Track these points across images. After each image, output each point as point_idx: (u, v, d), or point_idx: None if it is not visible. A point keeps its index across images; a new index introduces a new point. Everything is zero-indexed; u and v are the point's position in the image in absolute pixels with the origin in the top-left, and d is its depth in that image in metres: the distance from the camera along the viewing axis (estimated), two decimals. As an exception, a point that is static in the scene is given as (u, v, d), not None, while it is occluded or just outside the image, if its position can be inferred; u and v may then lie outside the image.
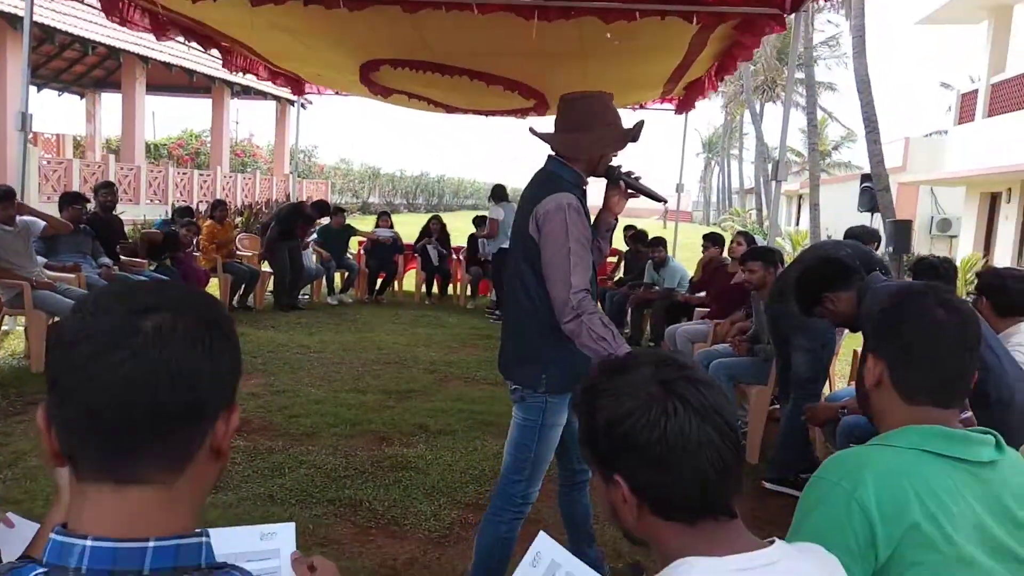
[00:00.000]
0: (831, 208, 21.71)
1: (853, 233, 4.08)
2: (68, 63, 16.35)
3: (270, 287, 8.73)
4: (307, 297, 9.13)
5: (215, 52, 7.79)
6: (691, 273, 7.51)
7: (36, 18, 6.45)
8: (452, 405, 4.88)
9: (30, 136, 6.38)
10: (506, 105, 9.60)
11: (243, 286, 8.24)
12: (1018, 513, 1.20)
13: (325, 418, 4.43)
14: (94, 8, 7.22)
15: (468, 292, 9.83)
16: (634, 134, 2.37)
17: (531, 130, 2.52)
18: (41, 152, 14.03)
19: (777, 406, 4.79)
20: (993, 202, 15.07)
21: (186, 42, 7.34)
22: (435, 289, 9.99)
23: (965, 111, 15.90)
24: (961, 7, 15.66)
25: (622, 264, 9.63)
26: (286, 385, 5.16)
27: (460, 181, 51.90)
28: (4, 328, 5.81)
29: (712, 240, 6.98)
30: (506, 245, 8.94)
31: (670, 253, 7.83)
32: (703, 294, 6.65)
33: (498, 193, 9.20)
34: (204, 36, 7.33)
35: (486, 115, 10.62)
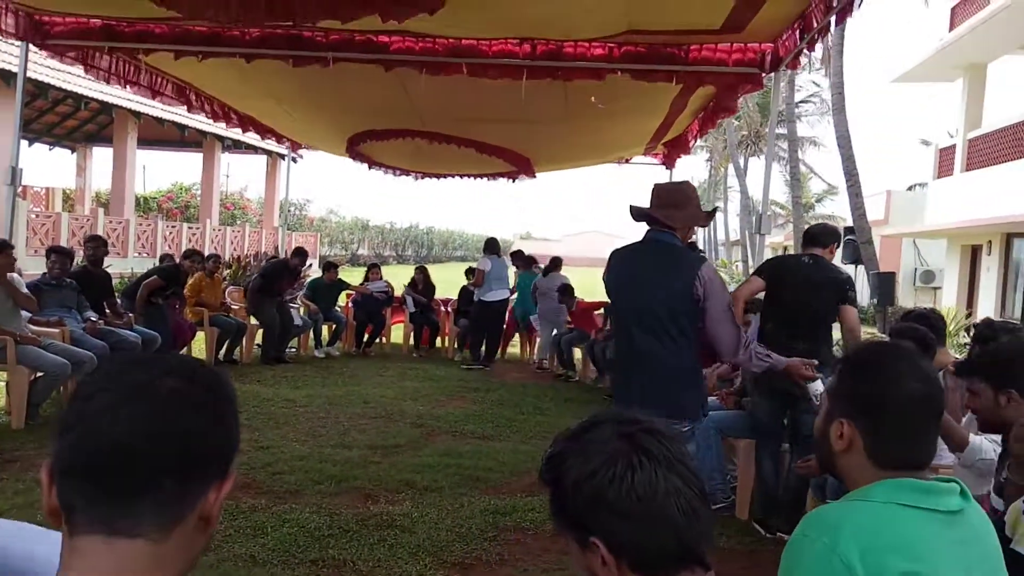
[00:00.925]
0: (816, 260, 21.92)
1: (812, 233, 4.05)
2: (60, 117, 16.53)
3: (258, 340, 8.68)
4: (294, 350, 9.09)
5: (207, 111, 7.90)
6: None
7: (29, 74, 6.53)
8: (439, 460, 4.82)
9: (19, 190, 6.40)
10: (493, 170, 9.78)
11: (229, 340, 8.20)
12: (993, 557, 1.22)
13: (309, 475, 4.37)
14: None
15: (456, 344, 9.81)
16: (711, 216, 3.09)
17: (631, 207, 2.97)
18: (30, 205, 14.05)
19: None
20: (975, 254, 15.32)
21: (181, 103, 7.46)
22: (422, 341, 9.99)
23: (944, 165, 16.29)
24: (936, 66, 16.19)
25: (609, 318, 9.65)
26: (270, 441, 5.09)
27: (449, 233, 52.33)
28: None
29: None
30: (490, 297, 9.02)
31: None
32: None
33: (491, 246, 9.31)
34: (196, 99, 7.47)
35: (474, 178, 10.78)
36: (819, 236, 4.11)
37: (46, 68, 11.25)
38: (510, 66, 5.52)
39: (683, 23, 4.92)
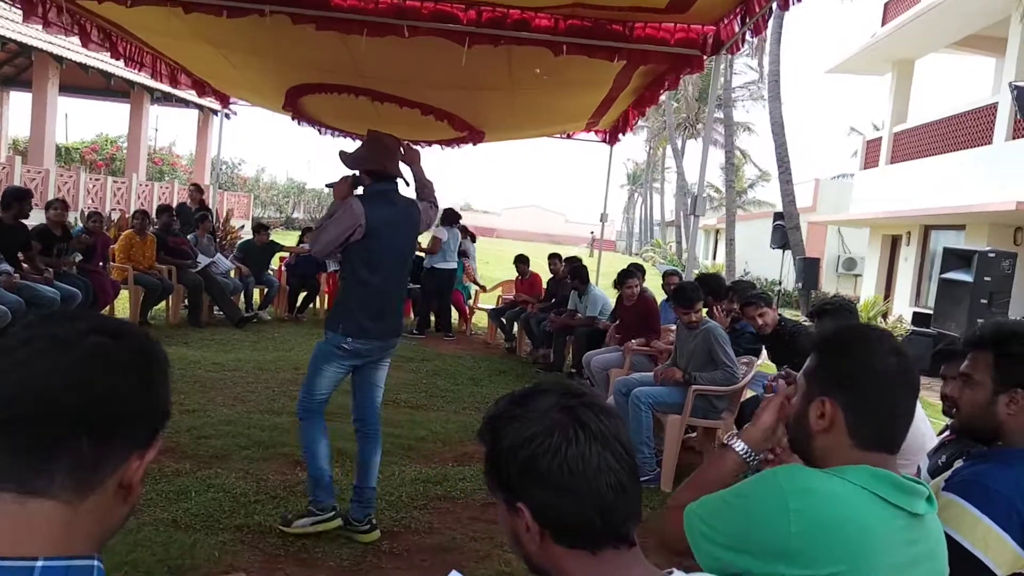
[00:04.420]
0: (745, 243, 22.63)
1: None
2: (-28, 58, 15.47)
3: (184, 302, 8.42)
4: (220, 313, 8.77)
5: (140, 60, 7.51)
6: (612, 302, 7.66)
7: (-60, 9, 6.06)
8: (370, 429, 4.79)
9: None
10: (438, 135, 9.65)
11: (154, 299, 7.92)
12: (938, 566, 1.24)
13: (236, 440, 4.29)
14: (5, 3, 6.90)
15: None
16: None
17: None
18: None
19: (693, 434, 4.93)
20: (894, 244, 16.03)
21: (106, 49, 7.05)
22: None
23: (870, 157, 16.92)
24: (867, 59, 16.73)
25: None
26: (196, 404, 4.97)
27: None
28: None
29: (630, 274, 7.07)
30: (442, 265, 9.02)
31: (593, 281, 7.98)
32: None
33: (449, 216, 9.36)
34: (126, 45, 7.09)
35: (419, 145, 10.63)
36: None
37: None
38: (453, 31, 5.45)
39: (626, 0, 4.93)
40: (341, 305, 3.31)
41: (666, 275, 6.83)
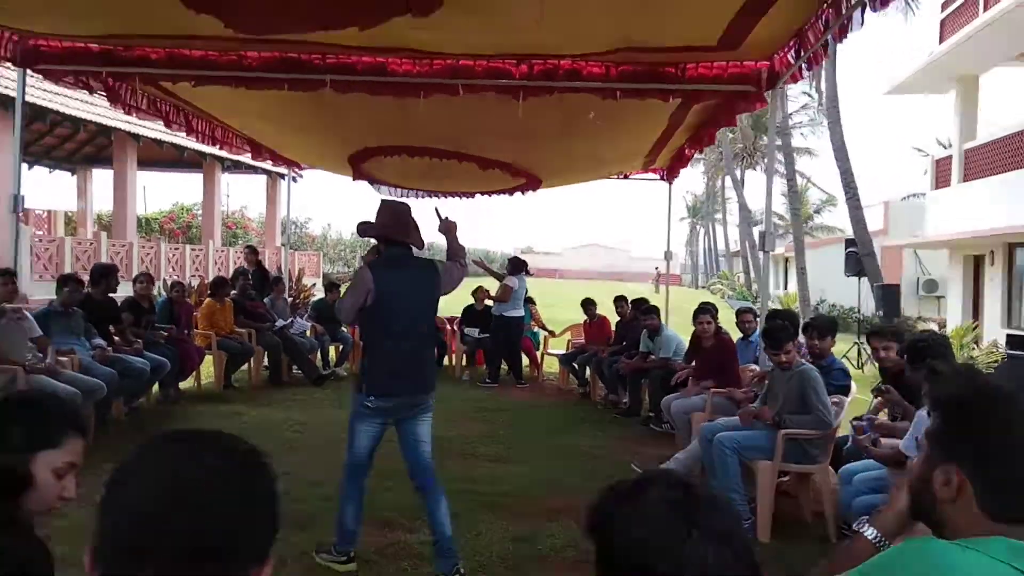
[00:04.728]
0: (817, 271, 21.97)
1: None
2: (59, 140, 16.52)
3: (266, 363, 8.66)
4: (299, 372, 8.96)
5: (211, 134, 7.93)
6: (686, 341, 7.52)
7: (27, 98, 6.53)
8: (453, 485, 4.74)
9: (21, 214, 6.42)
10: (497, 185, 9.82)
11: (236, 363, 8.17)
12: None
13: (327, 502, 4.33)
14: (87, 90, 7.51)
15: (463, 363, 9.78)
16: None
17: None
18: (33, 230, 14.04)
19: (786, 478, 4.75)
20: (977, 264, 15.34)
21: (180, 126, 7.49)
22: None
23: (941, 176, 16.33)
24: (927, 78, 16.28)
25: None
26: (285, 467, 5.04)
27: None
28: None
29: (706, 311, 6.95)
30: (511, 313, 9.06)
31: (663, 319, 7.87)
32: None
33: (519, 265, 9.48)
34: (197, 121, 7.51)
35: (479, 195, 10.83)
36: None
37: (43, 92, 11.28)
38: (507, 86, 5.55)
39: (679, 39, 4.94)
40: (363, 366, 3.52)
41: (740, 313, 6.69)
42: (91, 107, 12.78)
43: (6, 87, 10.68)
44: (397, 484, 4.77)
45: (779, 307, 20.56)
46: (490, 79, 5.51)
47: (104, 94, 6.40)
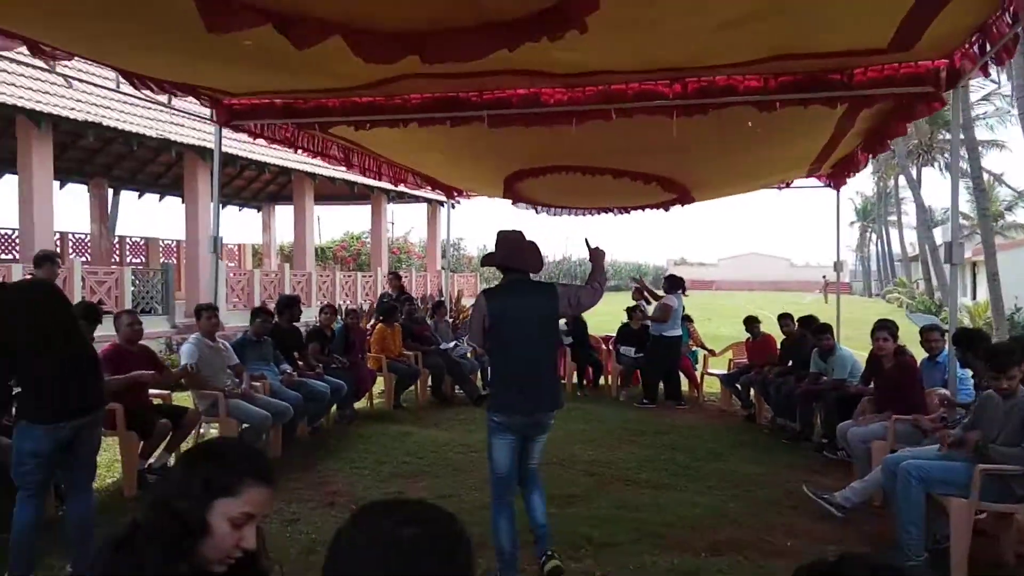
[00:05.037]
0: (1012, 275, 19.76)
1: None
2: (247, 182, 18.43)
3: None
4: (461, 392, 9.29)
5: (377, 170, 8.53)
6: (861, 360, 7.01)
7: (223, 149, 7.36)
8: (615, 513, 4.76)
9: (219, 253, 7.24)
10: (650, 199, 9.71)
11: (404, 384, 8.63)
12: None
13: (490, 527, 4.45)
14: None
15: (619, 382, 9.72)
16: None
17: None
18: (227, 263, 15.64)
19: (982, 515, 4.31)
20: None
21: (352, 166, 8.13)
22: (585, 381, 10.05)
23: None
24: None
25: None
26: (450, 488, 5.27)
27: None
28: (201, 431, 6.39)
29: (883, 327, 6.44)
30: (669, 333, 8.93)
31: (835, 334, 7.40)
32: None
33: (676, 283, 9.33)
34: (366, 159, 8.12)
35: (631, 210, 10.79)
36: None
37: (233, 140, 12.59)
38: (660, 107, 5.48)
39: (844, 44, 4.66)
40: (490, 384, 3.82)
41: (924, 331, 6.14)
42: (273, 151, 14.17)
43: (203, 139, 12.03)
44: (559, 510, 4.83)
45: (968, 320, 18.70)
46: (642, 101, 5.49)
47: (287, 146, 7.13)
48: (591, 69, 5.11)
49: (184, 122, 11.94)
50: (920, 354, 6.12)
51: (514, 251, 3.76)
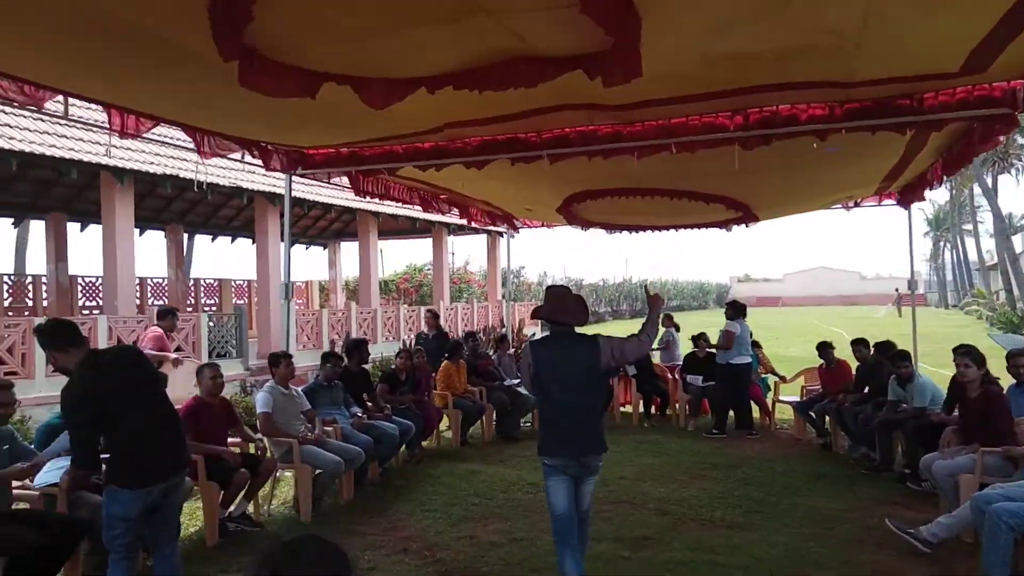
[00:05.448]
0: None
1: None
2: (313, 221, 18.99)
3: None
4: (528, 424, 9.32)
5: (442, 208, 8.75)
6: (942, 387, 6.71)
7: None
8: (691, 556, 4.67)
9: (290, 294, 7.51)
10: (712, 217, 9.58)
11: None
12: None
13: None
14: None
15: (687, 412, 9.56)
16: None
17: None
18: (295, 301, 16.11)
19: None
20: None
21: (415, 203, 8.36)
22: (652, 410, 9.96)
23: None
24: None
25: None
26: (523, 531, 5.24)
27: (662, 283, 51.65)
28: (276, 475, 6.56)
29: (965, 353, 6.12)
30: (737, 360, 8.76)
31: (911, 349, 7.09)
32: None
33: (738, 309, 9.18)
34: (428, 196, 8.32)
35: (691, 228, 10.68)
36: None
37: (300, 184, 13.07)
38: (722, 139, 5.44)
39: (912, 69, 4.55)
40: (540, 428, 4.10)
41: (1011, 356, 5.85)
42: (339, 192, 14.67)
43: (273, 185, 12.50)
44: (632, 553, 4.77)
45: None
46: (703, 134, 5.46)
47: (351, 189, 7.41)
48: (644, 99, 5.06)
49: (255, 169, 12.43)
50: (1006, 377, 5.83)
51: (560, 306, 4.04)
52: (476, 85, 4.11)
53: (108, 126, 5.09)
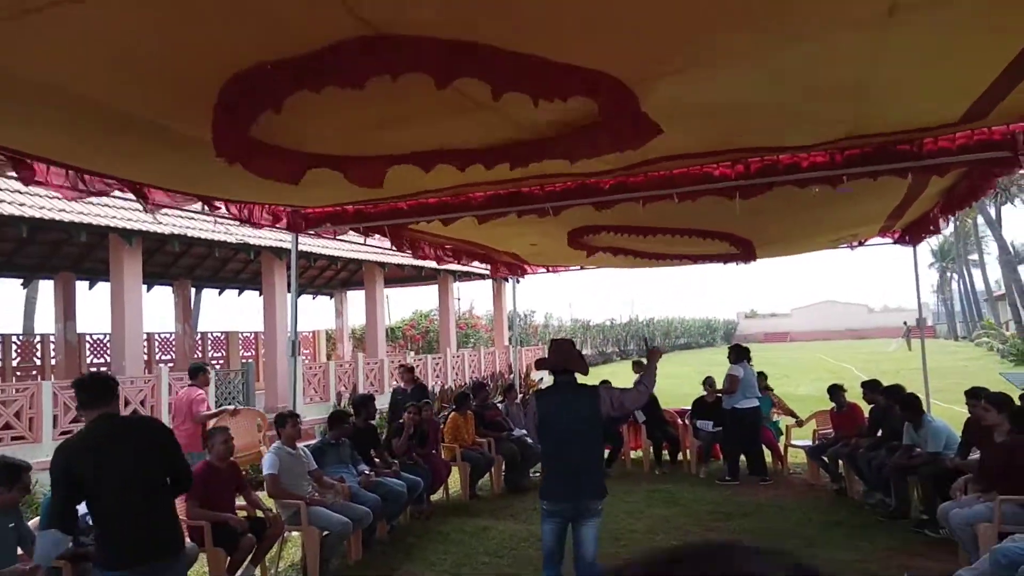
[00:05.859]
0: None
1: None
2: (319, 271, 19.11)
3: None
4: (537, 475, 9.21)
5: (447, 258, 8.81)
6: (956, 429, 6.63)
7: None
8: (708, 615, 4.57)
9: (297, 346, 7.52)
10: (714, 250, 9.60)
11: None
12: None
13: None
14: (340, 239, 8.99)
15: (698, 458, 9.44)
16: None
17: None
18: (301, 352, 16.12)
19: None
20: None
21: (423, 255, 8.43)
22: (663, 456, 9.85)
23: None
24: None
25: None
26: (534, 594, 5.16)
27: (669, 322, 51.48)
28: (284, 536, 6.48)
29: (977, 396, 6.11)
30: (743, 405, 8.66)
31: (913, 385, 7.01)
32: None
33: (741, 352, 9.11)
34: (433, 248, 8.38)
35: (692, 261, 10.68)
36: None
37: (306, 238, 13.17)
38: (723, 188, 5.49)
39: (913, 123, 4.62)
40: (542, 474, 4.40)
41: (1026, 398, 5.81)
42: (347, 247, 14.82)
43: (279, 240, 12.63)
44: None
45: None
46: (705, 184, 5.52)
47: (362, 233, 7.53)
48: (649, 157, 5.13)
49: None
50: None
51: (563, 358, 4.31)
52: (484, 161, 4.18)
53: (135, 198, 5.26)
